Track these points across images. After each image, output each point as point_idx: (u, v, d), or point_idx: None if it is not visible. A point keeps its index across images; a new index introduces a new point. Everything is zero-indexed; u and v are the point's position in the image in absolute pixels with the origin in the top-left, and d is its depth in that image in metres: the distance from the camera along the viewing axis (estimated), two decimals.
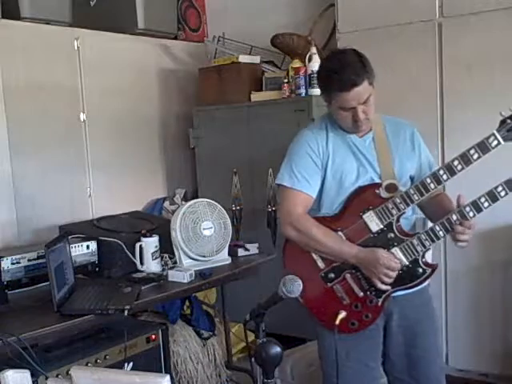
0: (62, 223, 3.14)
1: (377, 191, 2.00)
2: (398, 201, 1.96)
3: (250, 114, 3.71)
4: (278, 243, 3.03)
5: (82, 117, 3.54)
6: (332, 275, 2.03)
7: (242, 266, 2.85)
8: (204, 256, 2.79)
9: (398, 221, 1.99)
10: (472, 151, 1.91)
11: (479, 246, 3.13)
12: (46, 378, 1.69)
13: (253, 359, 1.61)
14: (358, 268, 2.01)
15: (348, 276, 2.03)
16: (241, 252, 2.99)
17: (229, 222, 2.90)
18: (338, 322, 1.96)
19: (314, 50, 3.41)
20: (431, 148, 3.10)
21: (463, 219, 1.92)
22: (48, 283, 2.26)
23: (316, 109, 3.30)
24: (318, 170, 2.07)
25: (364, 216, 1.99)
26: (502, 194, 1.92)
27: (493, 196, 1.92)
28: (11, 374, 1.44)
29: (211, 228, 2.82)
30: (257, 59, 3.87)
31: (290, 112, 3.42)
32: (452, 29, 3.10)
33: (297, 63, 3.53)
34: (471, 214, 1.92)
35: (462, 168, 1.92)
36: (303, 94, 3.45)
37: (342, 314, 1.98)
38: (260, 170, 3.49)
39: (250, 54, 3.95)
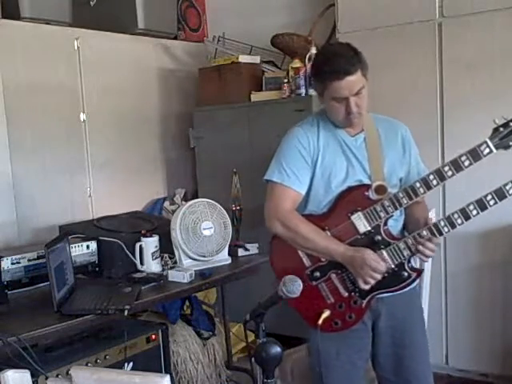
0: (62, 223, 3.14)
1: (366, 193, 1.99)
2: (386, 203, 1.95)
3: (250, 114, 3.71)
4: None
5: (82, 117, 3.55)
6: (317, 274, 2.02)
7: (242, 266, 2.85)
8: (204, 256, 2.79)
9: (385, 224, 1.98)
10: (463, 158, 1.88)
11: (479, 246, 3.13)
12: (46, 378, 1.69)
13: (253, 359, 1.61)
14: (343, 268, 2.00)
15: (333, 276, 2.02)
16: (241, 252, 2.99)
17: (229, 222, 2.90)
18: (321, 321, 1.95)
19: (313, 49, 3.40)
20: (431, 148, 3.15)
21: (452, 227, 1.92)
22: (48, 283, 2.26)
23: (316, 109, 3.29)
24: (308, 166, 2.05)
25: (352, 217, 1.98)
26: (491, 202, 1.88)
27: (482, 204, 1.88)
28: (11, 374, 1.44)
29: (211, 228, 2.81)
30: (257, 59, 3.87)
31: (290, 112, 3.42)
32: (452, 29, 3.10)
33: (297, 63, 3.53)
34: (459, 221, 1.90)
35: (453, 174, 1.89)
36: (303, 94, 3.46)
37: (326, 313, 1.97)
38: (260, 170, 3.47)
39: (250, 54, 3.95)
